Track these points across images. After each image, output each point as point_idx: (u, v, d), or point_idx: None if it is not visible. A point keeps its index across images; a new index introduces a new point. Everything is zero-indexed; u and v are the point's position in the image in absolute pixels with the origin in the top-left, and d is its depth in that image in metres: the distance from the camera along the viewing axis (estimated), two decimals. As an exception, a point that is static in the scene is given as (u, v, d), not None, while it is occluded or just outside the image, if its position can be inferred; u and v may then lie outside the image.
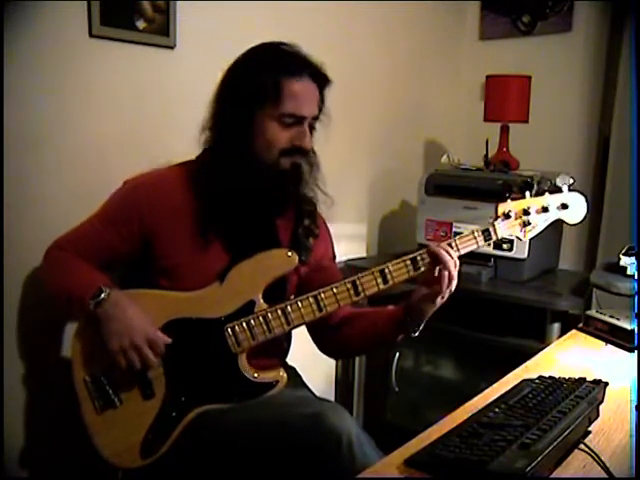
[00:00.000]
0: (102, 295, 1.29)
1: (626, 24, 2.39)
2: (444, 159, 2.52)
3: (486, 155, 2.42)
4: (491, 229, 1.36)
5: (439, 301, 1.33)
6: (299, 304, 1.32)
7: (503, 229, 1.37)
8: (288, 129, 1.34)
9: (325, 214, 1.55)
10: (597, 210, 2.44)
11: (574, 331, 1.68)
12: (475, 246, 1.36)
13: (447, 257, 1.29)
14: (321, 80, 1.38)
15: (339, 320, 1.48)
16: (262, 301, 1.34)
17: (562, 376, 1.22)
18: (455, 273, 1.30)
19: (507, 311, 2.11)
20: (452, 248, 1.32)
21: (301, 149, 1.35)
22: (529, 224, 1.38)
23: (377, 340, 1.52)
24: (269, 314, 1.32)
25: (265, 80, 1.32)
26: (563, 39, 2.61)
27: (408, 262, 1.33)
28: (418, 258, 1.33)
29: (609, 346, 1.56)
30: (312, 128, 1.39)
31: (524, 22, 2.72)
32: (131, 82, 1.76)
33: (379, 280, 1.32)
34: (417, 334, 1.41)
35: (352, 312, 1.49)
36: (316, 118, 1.38)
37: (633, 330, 1.52)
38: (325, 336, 1.54)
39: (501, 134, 2.44)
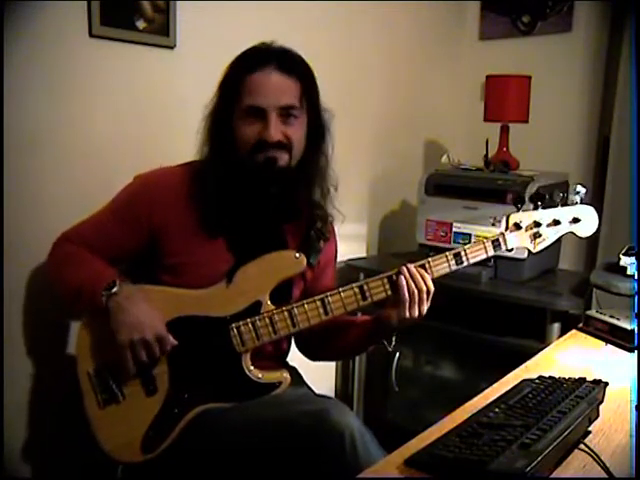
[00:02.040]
0: (115, 288, 1.29)
1: (626, 24, 2.39)
2: (444, 159, 2.52)
3: (486, 155, 2.42)
4: (501, 239, 1.35)
5: (408, 320, 1.31)
6: (306, 306, 1.31)
7: (513, 240, 1.36)
8: (254, 123, 1.32)
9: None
10: (597, 210, 2.43)
11: (574, 331, 1.68)
12: (484, 256, 1.35)
13: (405, 285, 1.29)
14: (293, 70, 1.34)
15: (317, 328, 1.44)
16: (269, 302, 1.34)
17: (562, 376, 1.22)
18: (423, 297, 1.29)
19: (507, 311, 2.11)
20: (426, 270, 1.31)
21: (266, 142, 1.32)
22: (540, 236, 1.37)
23: (350, 350, 1.55)
24: (275, 315, 1.32)
25: (231, 79, 1.34)
26: (563, 39, 2.61)
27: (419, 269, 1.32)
28: (427, 265, 1.32)
29: (609, 346, 1.56)
30: (288, 119, 1.33)
31: (524, 22, 2.72)
32: (131, 82, 1.76)
33: (387, 286, 1.32)
34: (392, 347, 1.41)
35: (330, 320, 1.43)
36: (290, 108, 1.33)
37: (633, 330, 1.51)
38: (304, 341, 1.56)
39: (501, 134, 2.44)
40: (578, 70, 2.59)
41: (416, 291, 1.30)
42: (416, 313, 1.31)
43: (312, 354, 1.60)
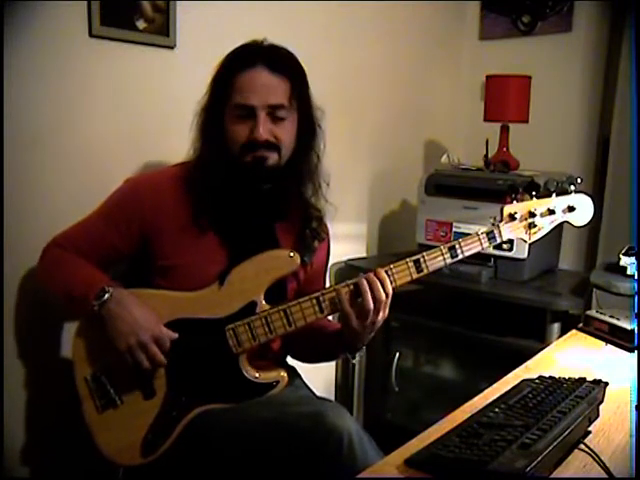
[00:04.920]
0: (105, 295, 1.29)
1: (626, 24, 2.38)
2: (444, 159, 2.52)
3: (486, 155, 2.42)
4: (496, 231, 1.35)
5: (369, 328, 1.28)
6: (301, 305, 1.31)
7: (508, 231, 1.35)
8: (243, 122, 1.33)
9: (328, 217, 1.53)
10: (597, 210, 2.43)
11: (574, 331, 1.68)
12: (480, 248, 1.34)
13: (347, 300, 1.27)
14: (283, 68, 1.34)
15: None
16: (264, 302, 1.34)
17: (562, 376, 1.22)
18: (380, 305, 1.25)
19: (507, 311, 2.11)
20: (389, 276, 1.27)
21: (255, 141, 1.32)
22: (535, 226, 1.36)
23: (324, 356, 1.55)
24: (271, 315, 1.32)
25: (220, 77, 1.34)
26: (563, 39, 2.61)
27: (411, 264, 1.31)
28: (421, 260, 1.32)
29: (609, 346, 1.56)
30: (277, 118, 1.33)
31: (524, 22, 2.72)
32: (131, 82, 1.76)
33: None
34: (355, 360, 1.40)
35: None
36: (279, 107, 1.33)
37: (633, 330, 1.51)
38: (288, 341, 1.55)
39: (501, 134, 2.44)
40: (578, 70, 2.59)
41: (363, 302, 1.25)
42: (359, 325, 1.27)
43: (291, 353, 1.60)
